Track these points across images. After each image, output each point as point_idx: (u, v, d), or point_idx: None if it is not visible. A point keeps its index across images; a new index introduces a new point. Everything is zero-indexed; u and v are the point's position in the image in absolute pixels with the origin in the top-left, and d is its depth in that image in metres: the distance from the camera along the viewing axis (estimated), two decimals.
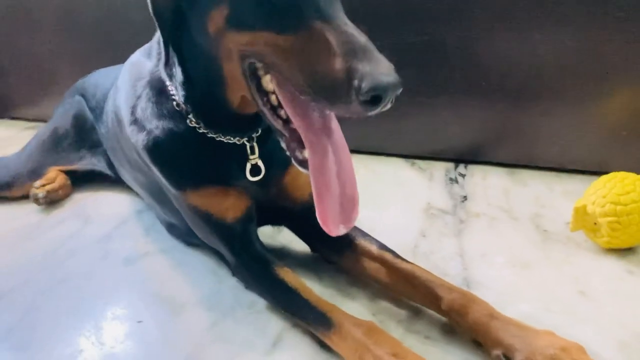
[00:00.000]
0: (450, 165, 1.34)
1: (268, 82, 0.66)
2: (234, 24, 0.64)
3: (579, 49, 1.12)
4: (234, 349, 0.77)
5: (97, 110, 1.30)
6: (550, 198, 1.14)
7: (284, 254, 1.01)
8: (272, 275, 0.82)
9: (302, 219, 0.93)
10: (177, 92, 0.80)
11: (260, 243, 0.90)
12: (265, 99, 0.68)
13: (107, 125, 1.18)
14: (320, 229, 0.88)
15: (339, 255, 0.92)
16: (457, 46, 1.22)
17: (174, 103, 0.80)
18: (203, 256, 1.03)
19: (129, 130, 0.88)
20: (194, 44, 0.72)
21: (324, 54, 0.56)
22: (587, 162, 1.21)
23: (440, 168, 1.33)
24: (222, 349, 0.78)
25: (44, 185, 1.32)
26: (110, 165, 1.32)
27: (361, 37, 0.56)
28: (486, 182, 1.24)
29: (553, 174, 1.24)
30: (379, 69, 0.53)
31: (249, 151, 0.82)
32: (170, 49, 0.75)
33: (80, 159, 1.38)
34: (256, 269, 0.86)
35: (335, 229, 0.66)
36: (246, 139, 0.82)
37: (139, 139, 0.85)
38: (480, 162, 1.33)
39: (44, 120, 2.06)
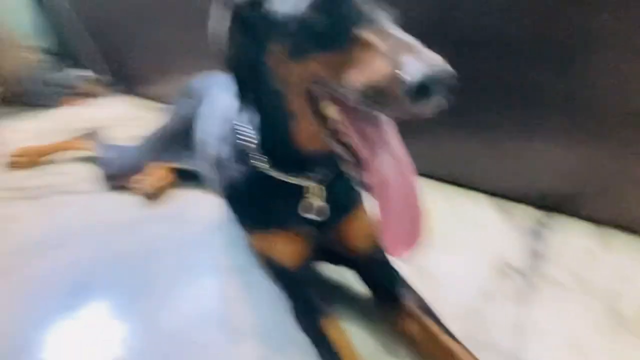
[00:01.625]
0: (536, 212, 1.27)
1: (329, 108, 0.68)
2: (293, 55, 0.67)
3: None
4: None
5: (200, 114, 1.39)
6: (636, 272, 1.05)
7: (343, 292, 1.04)
8: (318, 328, 0.86)
9: (359, 267, 0.96)
10: (251, 135, 0.84)
11: (315, 290, 0.93)
12: (327, 125, 0.70)
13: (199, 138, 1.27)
14: (373, 278, 0.91)
15: (384, 308, 0.93)
16: (555, 86, 1.13)
17: (250, 146, 0.85)
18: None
19: (215, 165, 0.97)
20: (263, 86, 0.75)
21: (372, 58, 0.57)
22: None
23: (524, 213, 1.27)
24: None
25: (151, 181, 1.46)
26: None
27: (406, 36, 0.57)
28: (570, 239, 1.17)
29: None
30: (426, 61, 0.52)
31: (314, 191, 0.85)
32: (244, 95, 0.80)
33: (183, 158, 1.49)
34: (306, 317, 0.90)
35: (399, 250, 0.65)
36: (312, 181, 0.84)
37: (220, 181, 0.93)
38: (568, 214, 1.24)
39: (164, 101, 2.25)
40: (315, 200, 0.85)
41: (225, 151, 0.92)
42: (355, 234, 0.92)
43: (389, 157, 0.65)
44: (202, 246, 1.24)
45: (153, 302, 1.05)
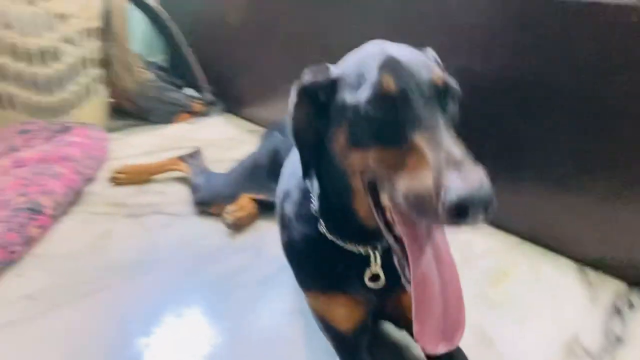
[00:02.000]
0: (622, 287, 1.20)
1: (385, 198, 0.69)
2: (353, 143, 0.70)
3: None
4: None
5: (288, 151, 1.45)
6: None
7: (402, 353, 1.04)
8: None
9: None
10: (314, 200, 0.88)
11: (369, 354, 0.94)
12: (381, 214, 0.72)
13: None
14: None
15: None
16: None
17: (312, 209, 0.89)
18: None
19: (278, 219, 0.99)
20: (327, 159, 0.79)
21: (419, 166, 0.59)
22: None
23: (610, 288, 1.20)
24: None
25: (234, 212, 1.54)
26: None
27: (456, 149, 0.58)
28: None
29: None
30: (467, 182, 0.54)
31: (372, 259, 0.86)
32: (307, 165, 0.84)
33: (268, 191, 1.56)
34: None
35: (432, 347, 0.66)
36: (370, 248, 0.86)
37: (281, 235, 0.97)
38: None
39: (264, 124, 2.35)
40: (373, 268, 0.87)
41: (288, 207, 0.96)
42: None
43: (431, 254, 0.66)
44: (275, 284, 1.29)
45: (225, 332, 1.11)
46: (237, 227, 1.54)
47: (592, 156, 1.17)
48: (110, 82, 2.58)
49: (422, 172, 0.58)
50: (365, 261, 0.87)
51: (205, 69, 2.80)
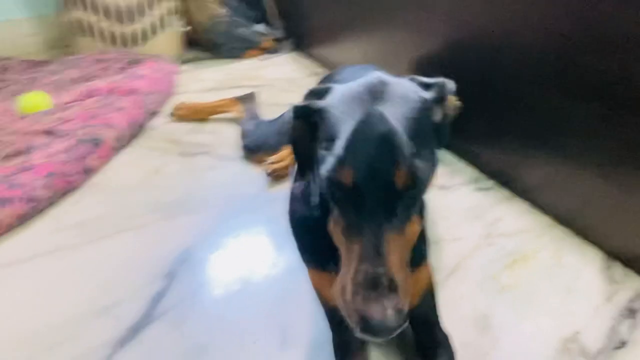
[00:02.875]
0: None
1: None
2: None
3: None
4: None
5: None
6: None
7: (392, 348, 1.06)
8: None
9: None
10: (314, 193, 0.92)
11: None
12: None
13: None
14: (417, 332, 0.95)
15: None
16: None
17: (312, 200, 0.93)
18: None
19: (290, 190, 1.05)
20: (317, 171, 0.82)
21: (347, 268, 0.64)
22: None
23: (632, 288, 1.15)
24: None
25: (274, 162, 1.59)
26: None
27: (379, 268, 0.62)
28: None
29: None
30: (370, 313, 0.59)
31: None
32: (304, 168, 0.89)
33: None
34: (339, 353, 0.96)
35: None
36: None
37: (288, 207, 1.02)
38: None
39: (329, 66, 2.36)
40: None
41: (295, 184, 1.00)
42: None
43: None
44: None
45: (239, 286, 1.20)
46: (276, 177, 1.59)
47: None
48: (184, 15, 2.66)
49: (346, 277, 0.65)
50: None
51: (277, 4, 2.80)
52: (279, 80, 2.41)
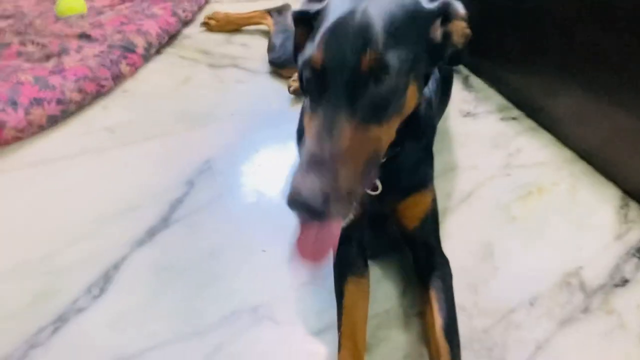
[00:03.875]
0: None
1: None
2: None
3: None
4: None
5: None
6: None
7: (396, 251, 1.08)
8: (341, 282, 0.95)
9: (407, 240, 1.02)
10: None
11: (360, 248, 1.00)
12: None
13: None
14: (417, 254, 0.98)
15: (422, 285, 0.97)
16: None
17: None
18: None
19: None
20: None
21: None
22: None
23: None
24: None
25: (296, 80, 1.58)
26: None
27: (317, 148, 0.60)
28: None
29: None
30: (300, 183, 0.58)
31: None
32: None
33: None
34: (338, 268, 0.98)
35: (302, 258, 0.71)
36: None
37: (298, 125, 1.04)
38: None
39: None
40: None
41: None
42: (408, 214, 0.97)
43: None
44: None
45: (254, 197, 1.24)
46: (299, 95, 1.59)
47: None
48: None
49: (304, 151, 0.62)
50: None
51: None
52: None
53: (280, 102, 1.59)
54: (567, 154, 1.35)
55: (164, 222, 1.15)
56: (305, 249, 0.69)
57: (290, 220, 1.15)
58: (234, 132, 1.45)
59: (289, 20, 1.86)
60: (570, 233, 1.13)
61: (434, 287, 0.92)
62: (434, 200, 0.98)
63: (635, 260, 1.07)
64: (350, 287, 0.94)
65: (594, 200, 1.21)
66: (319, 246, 0.69)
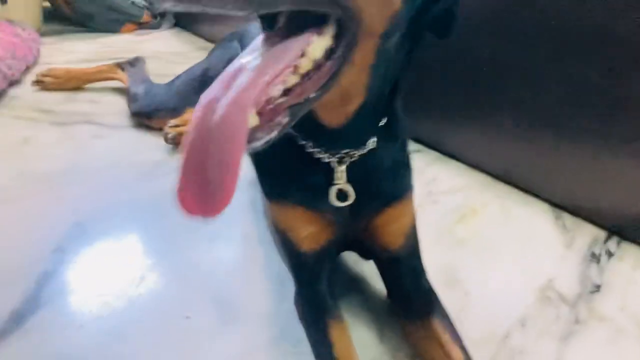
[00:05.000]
0: (602, 235, 1.09)
1: None
2: None
3: None
4: None
5: None
6: None
7: (359, 287, 0.92)
8: (322, 329, 0.73)
9: (386, 266, 0.82)
10: None
11: (328, 284, 0.79)
12: None
13: None
14: (397, 283, 0.78)
15: (409, 321, 0.79)
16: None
17: None
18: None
19: None
20: None
21: None
22: None
23: (587, 234, 1.09)
24: None
25: (177, 126, 1.35)
26: None
27: None
28: (635, 274, 0.99)
29: None
30: None
31: (337, 173, 0.70)
32: None
33: None
34: (311, 312, 0.77)
35: (186, 207, 0.46)
36: (336, 159, 0.70)
37: None
38: (637, 242, 1.06)
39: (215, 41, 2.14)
40: (338, 182, 0.71)
41: None
42: (389, 229, 0.77)
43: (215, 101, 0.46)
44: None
45: (153, 260, 0.95)
46: (177, 143, 1.35)
47: (580, 91, 1.04)
48: None
49: None
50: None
51: None
52: (164, 53, 2.14)
53: (154, 153, 1.34)
54: (483, 177, 1.30)
55: (32, 302, 0.81)
56: (191, 188, 0.45)
57: (197, 280, 0.91)
58: (105, 189, 1.16)
59: (145, 71, 1.64)
60: (522, 248, 1.05)
61: (435, 317, 0.74)
62: (415, 213, 0.81)
63: (594, 264, 1.01)
64: (336, 333, 0.72)
65: (528, 215, 1.16)
66: (212, 177, 0.45)
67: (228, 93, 0.45)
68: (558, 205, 1.19)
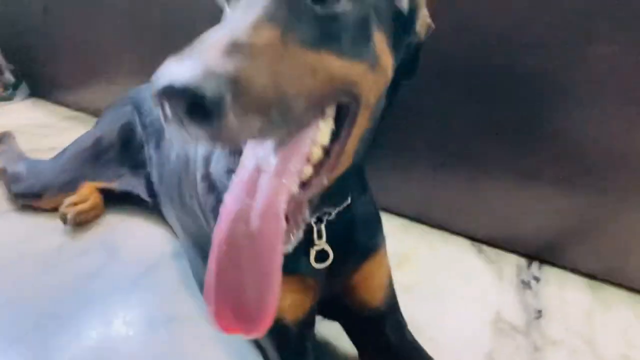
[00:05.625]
0: (523, 262, 1.17)
1: None
2: None
3: None
4: None
5: (150, 129, 1.20)
6: (639, 334, 0.96)
7: (327, 351, 0.88)
8: None
9: (364, 325, 0.79)
10: None
11: (315, 352, 0.75)
12: None
13: (164, 154, 1.08)
14: (381, 340, 0.75)
15: None
16: (559, 131, 1.04)
17: None
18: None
19: (199, 185, 0.78)
20: None
21: None
22: None
23: (510, 263, 1.16)
24: None
25: (75, 204, 1.21)
26: (150, 191, 1.22)
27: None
28: (564, 294, 1.07)
29: None
30: (173, 67, 0.34)
31: (315, 234, 0.68)
32: None
33: (119, 177, 1.27)
34: None
35: (222, 324, 0.44)
36: (314, 219, 0.67)
37: (208, 201, 0.74)
38: (557, 265, 1.15)
39: (85, 111, 1.99)
40: (317, 243, 0.68)
41: (216, 163, 0.74)
42: (368, 285, 0.76)
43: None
44: (141, 289, 1.03)
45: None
46: (79, 223, 1.22)
47: (490, 129, 1.13)
48: None
49: None
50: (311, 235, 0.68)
51: (6, 45, 2.30)
52: (26, 126, 1.93)
53: (52, 237, 1.19)
54: (401, 221, 1.34)
55: None
56: (229, 308, 0.43)
57: None
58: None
59: (18, 148, 1.48)
60: (463, 285, 1.09)
61: None
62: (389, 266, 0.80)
63: (528, 291, 1.08)
64: None
65: (454, 253, 1.21)
66: (252, 296, 0.43)
67: (257, 201, 0.44)
68: (477, 239, 1.25)
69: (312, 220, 0.67)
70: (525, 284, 1.09)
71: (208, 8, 0.66)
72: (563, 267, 1.14)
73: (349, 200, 0.68)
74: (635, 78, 0.90)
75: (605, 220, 1.06)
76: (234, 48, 0.36)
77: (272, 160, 0.46)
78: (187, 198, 0.91)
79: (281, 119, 0.39)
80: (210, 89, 0.33)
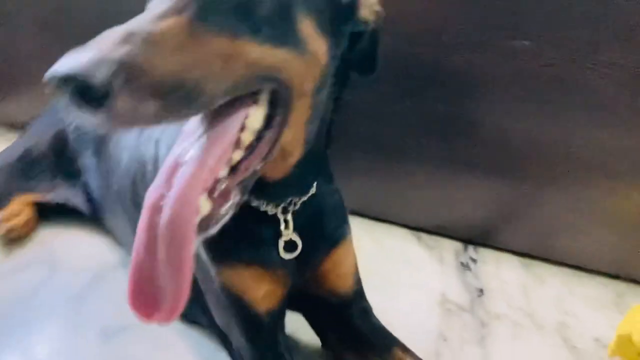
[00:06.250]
0: (459, 245, 1.24)
1: None
2: None
3: (615, 144, 1.03)
4: None
5: (85, 137, 1.15)
6: (572, 303, 1.06)
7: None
8: None
9: (331, 313, 0.82)
10: None
11: (285, 343, 0.77)
12: None
13: (109, 159, 1.04)
14: (350, 327, 0.77)
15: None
16: (485, 123, 1.12)
17: None
18: (197, 337, 0.90)
19: None
20: None
21: None
22: (609, 265, 1.13)
23: (449, 248, 1.23)
24: None
25: (6, 220, 1.15)
26: (89, 201, 1.18)
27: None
28: (501, 273, 1.15)
29: (570, 272, 1.15)
30: (69, 58, 0.36)
31: (282, 225, 0.70)
32: None
33: (53, 189, 1.22)
34: None
35: (141, 314, 0.45)
36: (280, 209, 0.69)
37: None
38: (491, 247, 1.23)
39: (10, 126, 1.87)
40: (285, 233, 0.70)
41: None
42: (337, 272, 0.79)
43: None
44: (90, 300, 1.01)
45: None
46: (13, 239, 1.16)
47: (423, 122, 1.18)
48: None
49: None
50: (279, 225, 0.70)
51: None
52: None
53: None
54: None
55: None
56: (143, 296, 0.45)
57: None
58: None
59: None
60: (408, 272, 1.14)
61: (396, 347, 0.78)
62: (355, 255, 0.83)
63: (468, 272, 1.15)
64: None
65: (396, 242, 1.26)
66: (164, 284, 0.44)
67: (172, 190, 0.45)
68: (416, 227, 1.30)
69: (279, 210, 0.69)
70: (465, 266, 1.16)
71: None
72: (497, 248, 1.22)
73: (314, 190, 0.70)
74: (549, 73, 0.99)
75: (527, 204, 1.15)
76: (130, 37, 0.37)
77: (192, 149, 0.47)
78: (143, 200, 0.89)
79: (182, 104, 0.40)
80: (98, 74, 0.34)
